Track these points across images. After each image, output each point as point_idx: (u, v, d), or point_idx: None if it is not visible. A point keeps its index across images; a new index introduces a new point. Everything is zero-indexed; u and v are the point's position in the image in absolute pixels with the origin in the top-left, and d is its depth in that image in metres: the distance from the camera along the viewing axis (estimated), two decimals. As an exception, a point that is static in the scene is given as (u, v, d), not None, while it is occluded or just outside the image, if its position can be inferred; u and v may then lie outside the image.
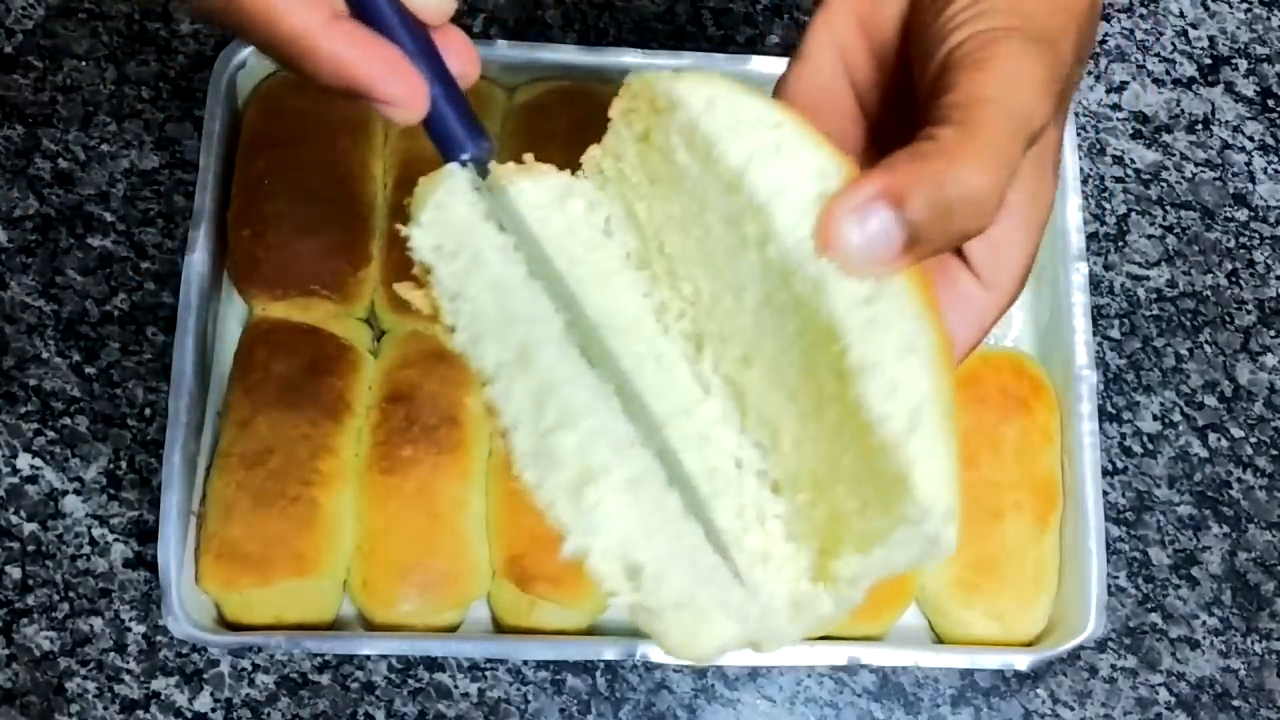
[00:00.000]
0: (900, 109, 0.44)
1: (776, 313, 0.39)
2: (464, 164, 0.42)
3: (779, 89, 0.45)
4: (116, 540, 0.71)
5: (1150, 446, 0.77)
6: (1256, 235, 0.81)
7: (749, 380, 0.41)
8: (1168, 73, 0.84)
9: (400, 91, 0.40)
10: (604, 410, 0.38)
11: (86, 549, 0.71)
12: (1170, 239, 0.81)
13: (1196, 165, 0.82)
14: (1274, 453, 0.77)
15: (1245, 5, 0.85)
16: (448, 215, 0.40)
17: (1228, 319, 0.80)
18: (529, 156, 0.43)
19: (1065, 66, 0.40)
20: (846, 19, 0.44)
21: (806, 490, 0.40)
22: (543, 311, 0.39)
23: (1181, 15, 0.85)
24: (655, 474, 0.38)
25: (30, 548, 0.71)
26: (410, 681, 0.70)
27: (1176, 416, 0.78)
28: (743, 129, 0.39)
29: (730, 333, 0.41)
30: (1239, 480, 0.77)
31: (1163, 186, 0.82)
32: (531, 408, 0.37)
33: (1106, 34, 0.84)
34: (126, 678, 0.69)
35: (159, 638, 0.70)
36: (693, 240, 0.41)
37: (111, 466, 0.72)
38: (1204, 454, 0.77)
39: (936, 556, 0.37)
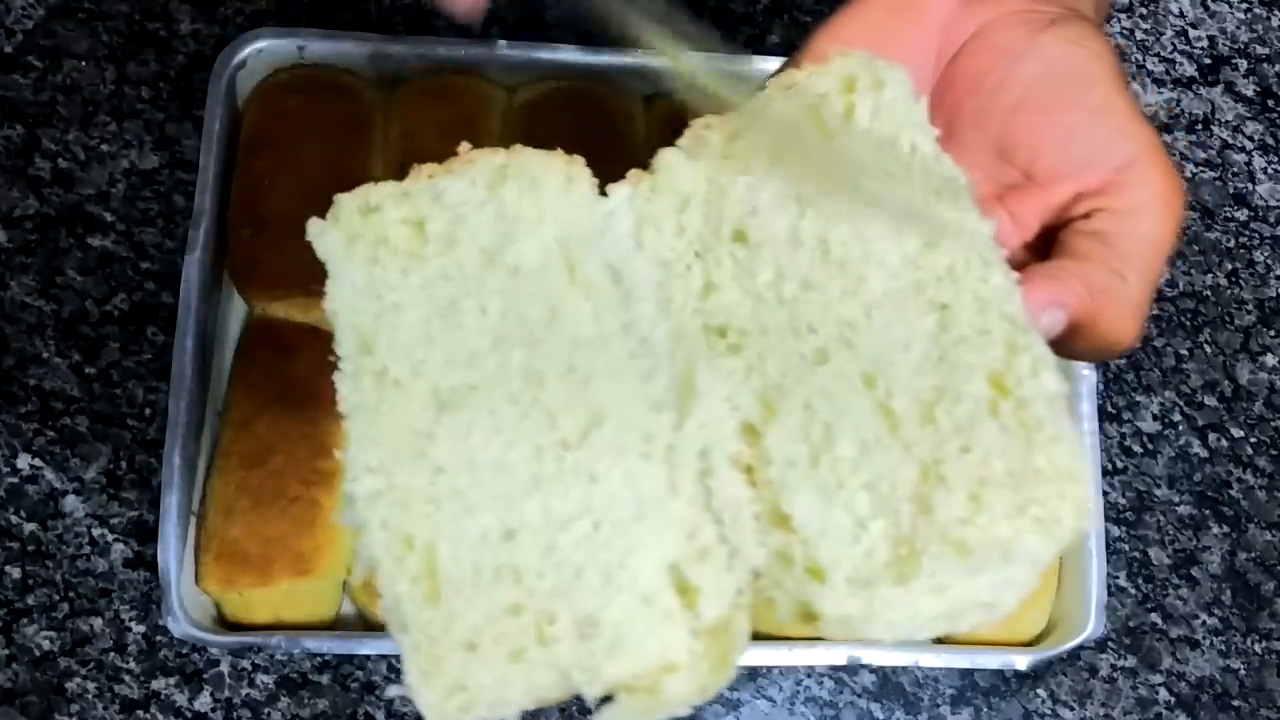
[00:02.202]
0: None
1: (912, 306, 0.39)
2: None
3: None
4: (116, 540, 0.71)
5: (1150, 446, 0.77)
6: (1256, 235, 0.81)
7: (809, 378, 0.39)
8: (1168, 73, 0.84)
9: None
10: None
11: (86, 549, 0.71)
12: (1170, 239, 0.81)
13: (1196, 165, 0.82)
14: (1274, 453, 0.77)
15: (1245, 5, 0.85)
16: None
17: (1228, 319, 0.80)
18: (464, 146, 0.43)
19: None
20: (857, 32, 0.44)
21: (860, 502, 0.38)
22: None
23: (1181, 15, 0.85)
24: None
25: (30, 548, 0.71)
26: (410, 681, 0.70)
27: (1176, 416, 0.78)
28: (928, 127, 0.42)
29: (812, 324, 0.40)
30: (1239, 480, 0.77)
31: (1163, 186, 0.82)
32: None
33: (1106, 34, 0.84)
34: (126, 678, 0.69)
35: (159, 638, 0.70)
36: (811, 222, 0.41)
37: (111, 466, 0.72)
38: (1204, 454, 0.77)
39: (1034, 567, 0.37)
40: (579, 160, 0.43)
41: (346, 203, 0.41)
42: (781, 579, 0.38)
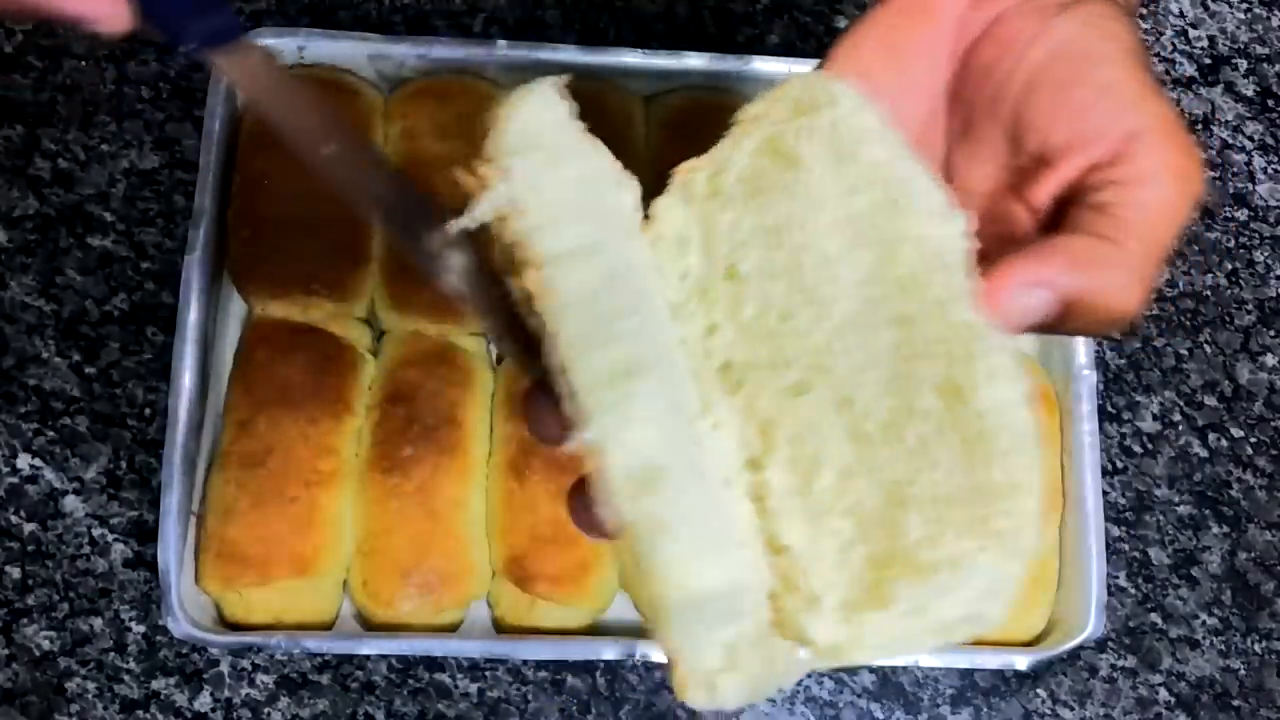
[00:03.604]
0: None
1: (872, 324, 0.39)
2: (194, 52, 0.40)
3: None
4: (116, 540, 0.71)
5: (1150, 446, 0.77)
6: (1256, 235, 0.81)
7: (793, 410, 0.40)
8: (1168, 73, 0.84)
9: (91, 6, 0.38)
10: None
11: (86, 549, 0.71)
12: (1170, 239, 0.81)
13: (1196, 165, 0.82)
14: (1274, 453, 0.77)
15: (1245, 5, 0.85)
16: (529, 117, 0.41)
17: (1228, 319, 0.80)
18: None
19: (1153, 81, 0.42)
20: (878, 58, 0.44)
21: (843, 528, 0.38)
22: (614, 217, 0.39)
23: (1181, 15, 0.85)
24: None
25: (30, 548, 0.71)
26: (410, 681, 0.70)
27: (1176, 416, 0.78)
28: (887, 134, 0.41)
29: (791, 356, 0.40)
30: (1239, 480, 0.77)
31: (1163, 186, 0.82)
32: (591, 294, 0.38)
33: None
34: (126, 678, 0.69)
35: (159, 638, 0.70)
36: (783, 253, 0.41)
37: (111, 466, 0.72)
38: (1204, 454, 0.77)
39: (995, 599, 0.37)
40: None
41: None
42: (786, 607, 0.38)
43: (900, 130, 0.43)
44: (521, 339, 0.40)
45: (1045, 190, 0.42)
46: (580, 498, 0.41)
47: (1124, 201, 0.40)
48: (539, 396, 0.41)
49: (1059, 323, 0.40)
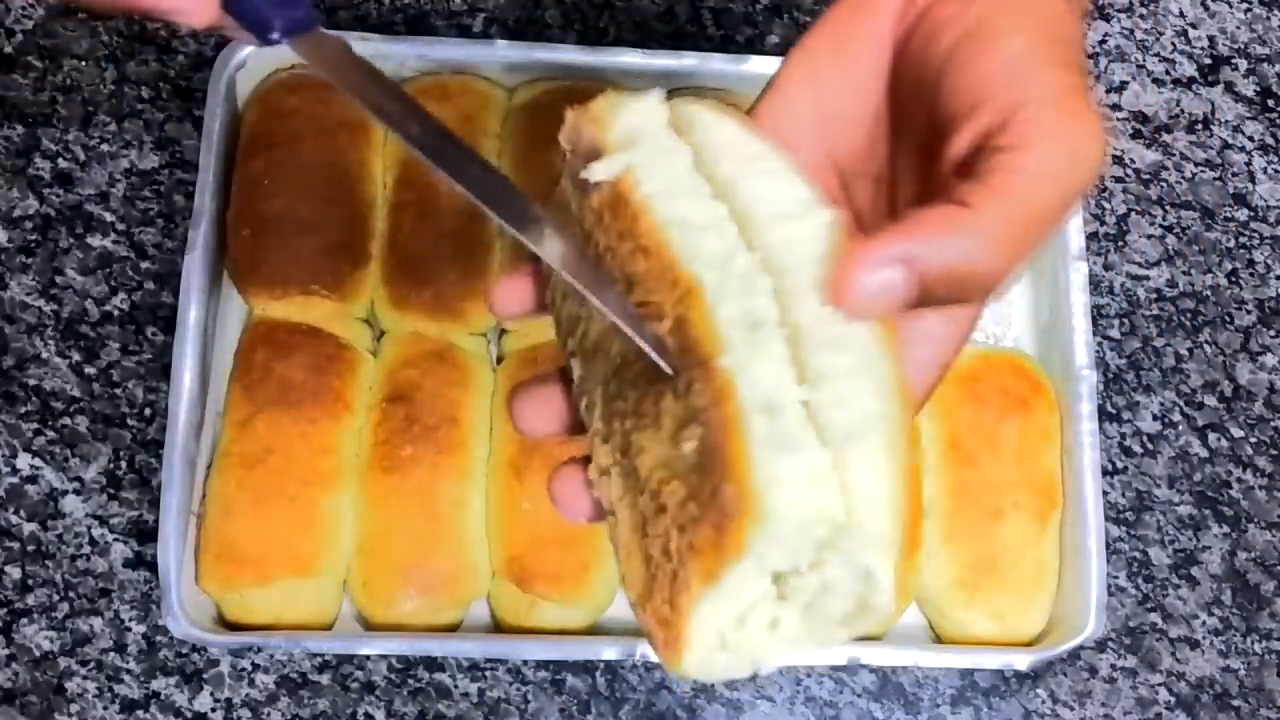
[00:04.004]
0: (883, 138, 0.44)
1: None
2: (277, 42, 0.42)
3: (750, 115, 0.44)
4: (116, 540, 0.71)
5: (1150, 446, 0.77)
6: (1256, 235, 0.81)
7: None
8: (1168, 73, 0.84)
9: (182, 2, 0.40)
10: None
11: (86, 549, 0.71)
12: (1170, 239, 0.81)
13: (1196, 165, 0.82)
14: (1274, 453, 0.77)
15: (1245, 5, 0.85)
16: (632, 121, 0.41)
17: (1228, 319, 0.80)
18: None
19: (1079, 64, 0.40)
20: (824, 55, 0.43)
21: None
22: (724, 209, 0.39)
23: (1181, 15, 0.85)
24: None
25: (30, 548, 0.71)
26: (410, 681, 0.70)
27: (1176, 416, 0.78)
28: (740, 145, 0.40)
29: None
30: (1239, 480, 0.77)
31: (1163, 186, 0.82)
32: (721, 259, 0.38)
33: (1106, 34, 0.84)
34: (126, 678, 0.69)
35: (159, 638, 0.70)
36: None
37: (111, 466, 0.72)
38: (1204, 454, 0.77)
39: (872, 609, 0.35)
40: None
41: None
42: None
43: (850, 131, 0.43)
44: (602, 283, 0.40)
45: (946, 164, 0.40)
46: (566, 482, 0.41)
47: (1000, 167, 0.38)
48: (527, 390, 0.41)
49: (925, 298, 0.37)
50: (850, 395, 0.35)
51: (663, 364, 0.37)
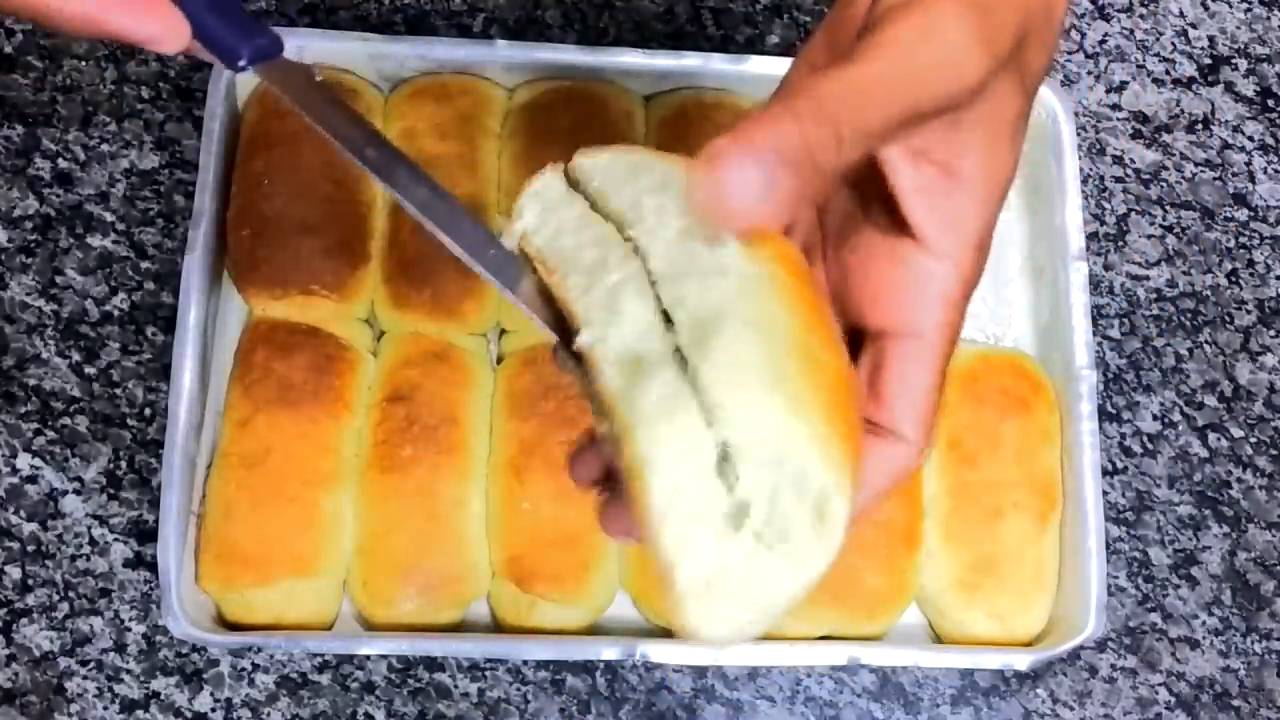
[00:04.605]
0: None
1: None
2: (244, 69, 0.44)
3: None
4: (116, 540, 0.71)
5: (1150, 446, 0.77)
6: (1256, 235, 0.81)
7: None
8: (1168, 73, 0.84)
9: (154, 30, 0.42)
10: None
11: (86, 549, 0.71)
12: (1170, 239, 0.81)
13: (1196, 165, 0.82)
14: (1274, 453, 0.77)
15: (1245, 5, 0.85)
16: (542, 196, 0.43)
17: (1228, 319, 0.80)
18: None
19: (1003, 36, 0.39)
20: (821, 48, 0.43)
21: None
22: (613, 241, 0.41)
23: (1181, 15, 0.85)
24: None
25: (30, 548, 0.71)
26: (410, 681, 0.70)
27: (1176, 416, 0.78)
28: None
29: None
30: (1239, 480, 0.77)
31: (1163, 186, 0.82)
32: (589, 257, 0.39)
33: (1106, 34, 0.84)
34: (126, 678, 0.69)
35: (159, 638, 0.70)
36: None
37: (111, 466, 0.72)
38: (1204, 454, 0.77)
39: (829, 513, 0.35)
40: None
41: None
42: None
43: None
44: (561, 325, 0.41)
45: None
46: (580, 464, 0.43)
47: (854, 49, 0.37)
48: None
49: (789, 185, 0.35)
50: (706, 294, 0.35)
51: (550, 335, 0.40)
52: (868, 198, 0.42)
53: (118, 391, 0.73)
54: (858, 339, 0.43)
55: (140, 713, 0.69)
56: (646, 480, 0.34)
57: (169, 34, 0.42)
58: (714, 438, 0.34)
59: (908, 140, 0.39)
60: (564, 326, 0.40)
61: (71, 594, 0.70)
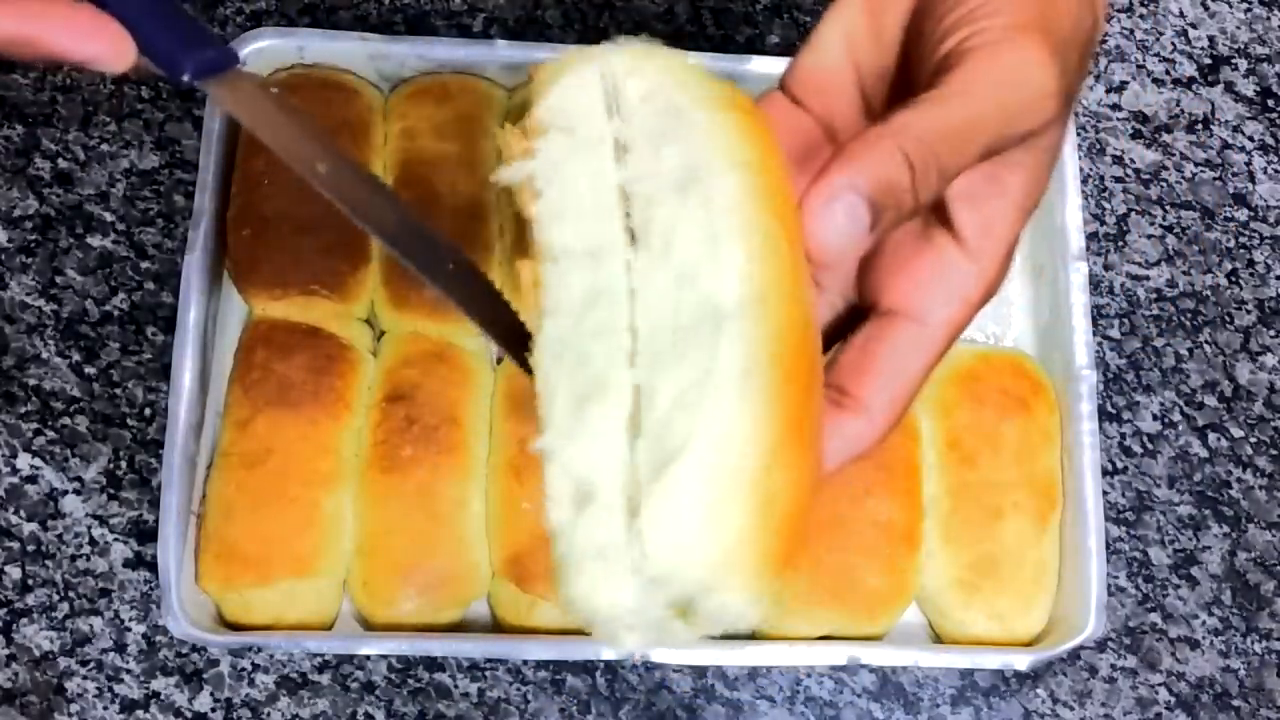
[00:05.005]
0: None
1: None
2: (189, 85, 0.42)
3: (786, 74, 0.45)
4: (116, 540, 0.71)
5: (1150, 446, 0.77)
6: (1256, 235, 0.81)
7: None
8: (1168, 73, 0.84)
9: (97, 50, 0.40)
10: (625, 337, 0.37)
11: (86, 549, 0.71)
12: (1170, 239, 0.81)
13: (1196, 165, 0.82)
14: (1274, 453, 0.77)
15: (1245, 5, 0.85)
16: (572, 94, 0.39)
17: (1228, 319, 0.80)
18: None
19: (1071, 74, 0.40)
20: (857, 10, 0.44)
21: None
22: (618, 221, 0.38)
23: (1181, 15, 0.85)
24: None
25: (30, 548, 0.71)
26: (410, 681, 0.70)
27: (1176, 416, 0.78)
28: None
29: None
30: (1239, 480, 0.77)
31: (1163, 186, 0.82)
32: (579, 304, 0.37)
33: (1106, 34, 0.84)
34: (126, 678, 0.69)
35: (159, 638, 0.70)
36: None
37: (111, 466, 0.72)
38: (1204, 454, 0.77)
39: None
40: None
41: None
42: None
43: (881, 85, 0.44)
44: (515, 337, 0.40)
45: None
46: None
47: (933, 87, 0.38)
48: None
49: (876, 222, 0.37)
50: (678, 398, 0.34)
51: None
52: None
53: (118, 391, 0.73)
54: (854, 322, 0.44)
55: (140, 713, 0.69)
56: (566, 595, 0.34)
57: (112, 53, 0.40)
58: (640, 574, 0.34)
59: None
60: (521, 332, 0.39)
61: (71, 594, 0.70)
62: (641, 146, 0.37)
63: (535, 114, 0.39)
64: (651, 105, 0.38)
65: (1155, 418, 0.78)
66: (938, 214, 0.42)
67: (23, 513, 0.71)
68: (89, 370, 0.73)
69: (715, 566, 0.33)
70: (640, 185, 0.37)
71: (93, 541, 0.71)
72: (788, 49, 0.81)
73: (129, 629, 0.70)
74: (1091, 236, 0.80)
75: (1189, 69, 0.84)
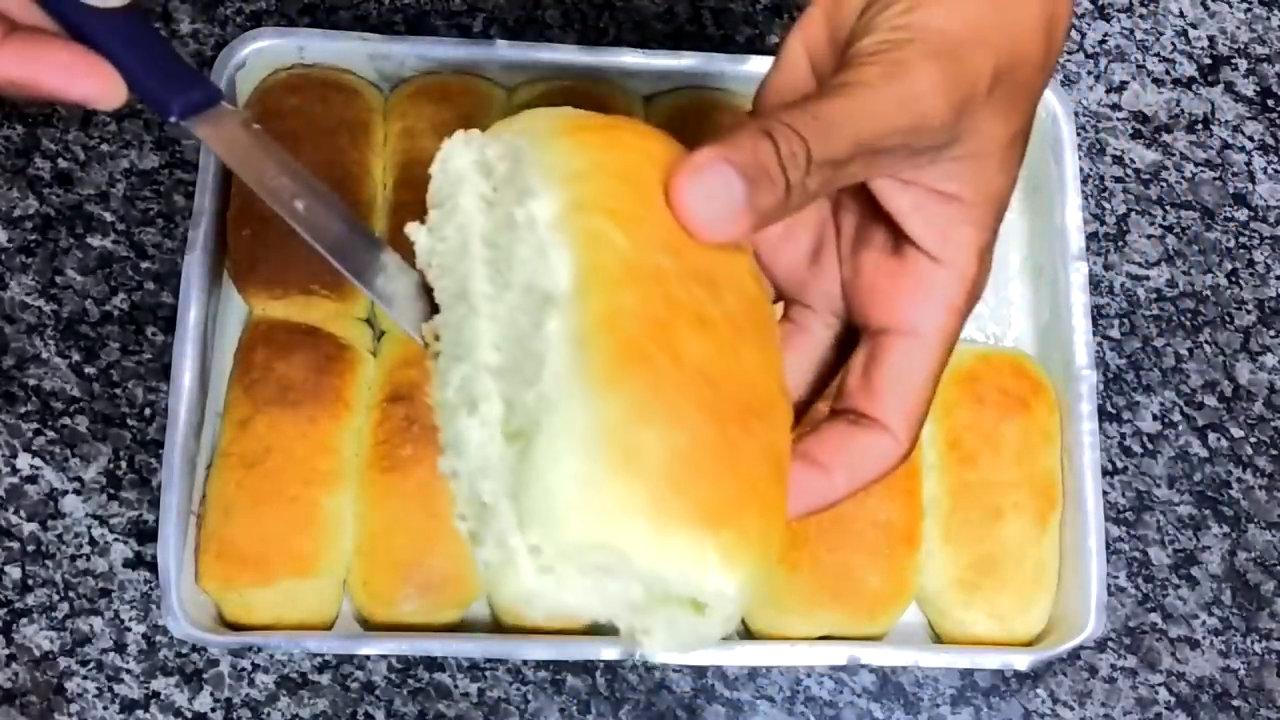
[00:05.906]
0: None
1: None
2: (175, 123, 0.45)
3: (759, 93, 0.46)
4: (116, 540, 0.71)
5: (1150, 446, 0.77)
6: (1256, 235, 0.81)
7: None
8: (1168, 73, 0.84)
9: (90, 90, 0.43)
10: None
11: (86, 549, 0.71)
12: (1170, 239, 0.81)
13: (1196, 165, 0.82)
14: (1274, 453, 0.78)
15: (1245, 5, 0.85)
16: (448, 166, 0.43)
17: (1228, 319, 0.80)
18: None
19: (973, 76, 0.40)
20: (819, 24, 0.44)
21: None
22: (481, 266, 0.41)
23: (1181, 15, 0.85)
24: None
25: (30, 548, 0.71)
26: (410, 681, 0.70)
27: (1176, 416, 0.78)
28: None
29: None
30: (1239, 480, 0.77)
31: (1163, 186, 0.82)
32: (457, 342, 0.40)
33: (1106, 34, 0.84)
34: (126, 678, 0.69)
35: (159, 638, 0.70)
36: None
37: (111, 466, 0.72)
38: (1204, 454, 0.77)
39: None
40: None
41: None
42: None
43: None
44: None
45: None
46: None
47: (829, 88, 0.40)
48: None
49: (752, 198, 0.38)
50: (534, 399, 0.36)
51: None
52: (878, 214, 0.44)
53: (118, 391, 0.73)
54: (856, 337, 0.45)
55: (140, 713, 0.69)
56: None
57: (105, 93, 0.43)
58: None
59: (895, 172, 0.41)
60: None
61: (71, 594, 0.70)
62: (501, 194, 0.41)
63: (428, 194, 0.43)
64: (504, 159, 0.41)
65: (1155, 418, 0.78)
66: (901, 233, 0.43)
67: (23, 513, 0.71)
68: (89, 370, 0.73)
69: (599, 526, 0.35)
70: (497, 229, 0.40)
71: (93, 541, 0.71)
72: (788, 49, 0.81)
73: (129, 629, 0.70)
74: (1091, 236, 0.80)
75: (1189, 69, 0.84)
